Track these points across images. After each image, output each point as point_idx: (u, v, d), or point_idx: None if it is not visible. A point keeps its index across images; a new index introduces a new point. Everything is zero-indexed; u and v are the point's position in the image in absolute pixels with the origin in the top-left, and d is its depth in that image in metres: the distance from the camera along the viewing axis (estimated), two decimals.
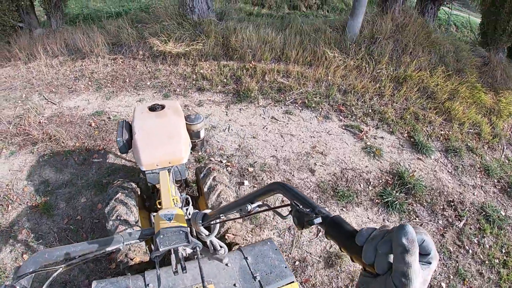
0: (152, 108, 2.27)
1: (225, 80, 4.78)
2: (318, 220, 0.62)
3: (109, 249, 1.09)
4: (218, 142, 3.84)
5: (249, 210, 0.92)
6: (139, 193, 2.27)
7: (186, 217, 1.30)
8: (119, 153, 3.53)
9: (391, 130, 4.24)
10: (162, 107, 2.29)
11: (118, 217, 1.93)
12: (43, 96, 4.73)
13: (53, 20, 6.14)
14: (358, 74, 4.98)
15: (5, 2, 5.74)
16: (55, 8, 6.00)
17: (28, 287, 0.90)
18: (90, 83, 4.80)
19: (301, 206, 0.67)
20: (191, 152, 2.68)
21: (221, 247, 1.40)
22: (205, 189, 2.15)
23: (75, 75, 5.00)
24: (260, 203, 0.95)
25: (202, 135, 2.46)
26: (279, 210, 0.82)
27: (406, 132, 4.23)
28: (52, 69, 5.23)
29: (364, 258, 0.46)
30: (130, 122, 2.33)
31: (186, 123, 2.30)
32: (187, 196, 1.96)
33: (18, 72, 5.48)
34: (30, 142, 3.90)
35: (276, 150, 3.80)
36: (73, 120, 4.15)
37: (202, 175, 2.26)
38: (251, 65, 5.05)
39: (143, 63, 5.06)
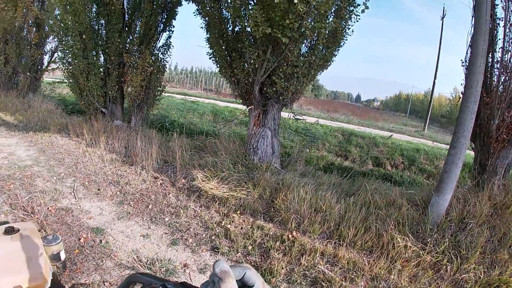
0: (7, 231, 2.11)
1: (249, 248, 3.93)
2: None
3: None
4: None
5: None
6: None
7: None
8: None
9: None
10: (17, 230, 2.13)
11: None
12: (74, 185, 4.69)
13: (133, 118, 6.69)
14: (435, 275, 3.51)
15: (95, 87, 6.52)
16: (138, 108, 6.58)
17: None
18: (118, 193, 4.66)
19: (153, 284, 0.86)
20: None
21: None
22: None
23: (112, 179, 4.96)
24: None
25: (62, 257, 2.25)
26: None
27: None
28: (101, 163, 5.35)
29: None
30: None
31: (44, 245, 2.09)
32: None
33: (76, 150, 5.78)
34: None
35: None
36: (72, 225, 3.85)
37: None
38: (290, 236, 4.22)
39: (177, 194, 4.79)
